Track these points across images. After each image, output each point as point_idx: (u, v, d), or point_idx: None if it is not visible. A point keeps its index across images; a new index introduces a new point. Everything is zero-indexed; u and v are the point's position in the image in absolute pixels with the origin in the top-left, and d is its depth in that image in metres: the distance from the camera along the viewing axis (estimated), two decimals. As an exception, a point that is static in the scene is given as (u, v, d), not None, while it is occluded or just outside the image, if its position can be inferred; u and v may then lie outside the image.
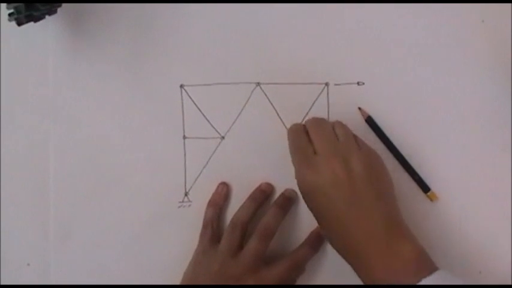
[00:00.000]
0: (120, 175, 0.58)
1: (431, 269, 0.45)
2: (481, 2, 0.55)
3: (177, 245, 0.57)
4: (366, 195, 0.47)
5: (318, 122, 0.52)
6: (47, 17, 0.54)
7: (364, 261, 0.47)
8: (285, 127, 0.57)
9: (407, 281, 0.44)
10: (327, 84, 0.56)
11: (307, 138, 0.51)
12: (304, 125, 0.52)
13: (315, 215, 0.50)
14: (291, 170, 0.54)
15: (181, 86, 0.57)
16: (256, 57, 0.57)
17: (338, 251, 0.49)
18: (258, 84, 0.57)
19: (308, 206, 0.50)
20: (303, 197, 0.50)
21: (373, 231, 0.47)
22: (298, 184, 0.50)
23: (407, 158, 0.55)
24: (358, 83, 0.56)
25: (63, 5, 0.55)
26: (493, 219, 0.55)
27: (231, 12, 0.57)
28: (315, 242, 0.56)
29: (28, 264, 0.58)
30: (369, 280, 0.46)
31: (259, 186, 0.57)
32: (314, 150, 0.49)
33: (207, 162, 0.57)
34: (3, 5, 0.52)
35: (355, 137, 0.51)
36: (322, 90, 0.57)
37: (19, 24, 0.51)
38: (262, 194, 0.56)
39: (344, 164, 0.48)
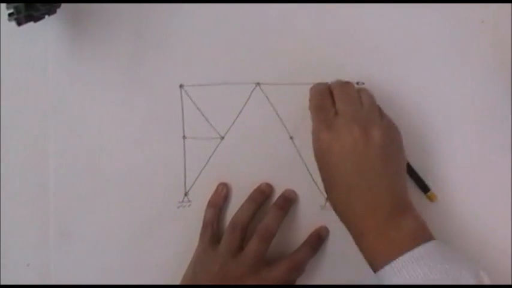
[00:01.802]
0: (120, 175, 0.58)
1: (428, 239, 0.46)
2: (481, 2, 0.55)
3: (176, 245, 0.57)
4: (378, 166, 0.47)
5: (344, 84, 0.52)
6: (46, 17, 0.54)
7: (363, 229, 0.47)
8: (285, 127, 0.57)
9: (403, 249, 0.45)
10: (326, 84, 0.56)
11: (331, 99, 0.50)
12: (329, 85, 0.52)
13: (322, 176, 0.50)
14: (291, 170, 0.54)
15: (181, 86, 0.57)
16: (256, 57, 0.57)
17: (339, 215, 0.49)
18: (258, 84, 0.57)
19: (318, 165, 0.50)
20: (315, 156, 0.50)
21: (377, 203, 0.47)
22: (313, 141, 0.50)
23: (407, 158, 0.55)
24: (357, 83, 0.56)
25: (63, 5, 0.55)
26: (493, 219, 0.55)
27: (230, 12, 0.57)
28: (315, 243, 0.56)
29: (28, 265, 0.58)
30: (365, 247, 0.47)
31: (259, 186, 0.57)
32: (336, 112, 0.49)
33: (207, 163, 0.57)
34: (3, 4, 0.52)
35: (379, 108, 0.51)
36: (322, 90, 0.56)
37: (19, 24, 0.51)
38: (262, 195, 0.56)
39: (364, 131, 0.48)
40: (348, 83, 0.52)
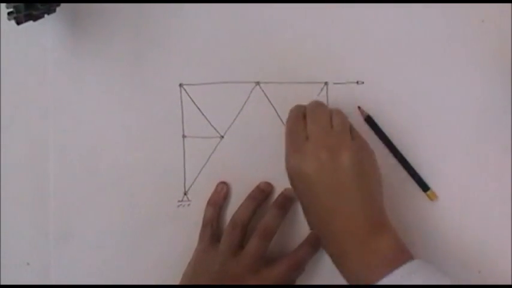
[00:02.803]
0: (120, 174, 0.58)
1: (406, 259, 0.46)
2: (481, 2, 0.55)
3: (176, 245, 0.57)
4: (349, 189, 0.47)
5: (317, 107, 0.52)
6: (46, 16, 0.54)
7: (342, 253, 0.47)
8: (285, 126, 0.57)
9: (380, 272, 0.45)
10: (326, 83, 0.56)
11: (304, 123, 0.50)
12: (305, 107, 0.52)
13: (299, 200, 0.51)
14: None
15: (181, 85, 0.57)
16: (256, 57, 0.57)
17: (321, 238, 0.50)
18: (258, 83, 0.57)
19: (293, 189, 0.50)
20: (289, 180, 0.50)
21: (352, 225, 0.47)
22: (285, 166, 0.50)
23: (406, 157, 0.55)
24: (357, 82, 0.56)
25: (62, 4, 0.55)
26: (492, 219, 0.55)
27: (230, 12, 0.57)
28: (315, 242, 0.56)
29: (28, 264, 0.58)
30: (346, 270, 0.47)
31: (259, 185, 0.57)
32: (306, 136, 0.49)
33: (207, 162, 0.57)
34: (3, 4, 0.52)
35: (351, 128, 0.51)
36: (321, 89, 0.56)
37: (18, 23, 0.51)
38: (262, 193, 0.56)
39: (332, 155, 0.48)
40: (320, 105, 0.52)
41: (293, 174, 0.49)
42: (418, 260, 0.46)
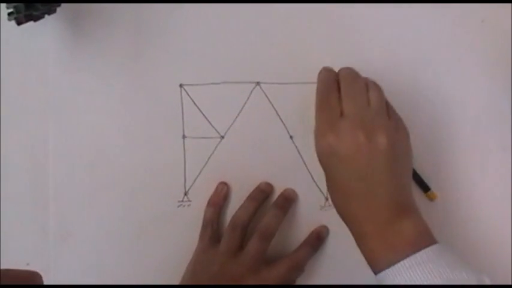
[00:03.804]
0: (120, 175, 0.58)
1: (430, 243, 0.45)
2: (481, 2, 0.55)
3: (176, 245, 0.57)
4: (380, 172, 0.46)
5: (352, 78, 0.49)
6: (46, 16, 0.54)
7: (364, 232, 0.47)
8: (285, 127, 0.57)
9: (402, 253, 0.44)
10: (326, 83, 0.56)
11: (337, 95, 0.48)
12: (337, 74, 0.50)
13: (326, 176, 0.49)
14: (290, 169, 0.54)
15: (181, 86, 0.57)
16: (256, 57, 0.57)
17: (340, 216, 0.48)
18: (258, 83, 0.57)
19: (321, 165, 0.49)
20: (318, 156, 0.48)
21: (378, 207, 0.46)
22: (315, 142, 0.48)
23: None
24: (358, 83, 0.56)
25: (63, 4, 0.55)
26: (493, 219, 0.55)
27: (230, 12, 0.57)
28: (315, 242, 0.56)
29: (28, 264, 0.58)
30: (366, 250, 0.46)
31: (259, 186, 0.57)
32: (341, 110, 0.47)
33: (207, 162, 0.57)
34: (3, 4, 0.52)
35: (387, 104, 0.49)
36: (322, 90, 0.56)
37: (18, 23, 0.51)
38: (262, 194, 0.56)
39: (368, 136, 0.46)
40: (356, 76, 0.50)
41: (324, 152, 0.47)
42: (440, 244, 0.45)
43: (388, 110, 0.49)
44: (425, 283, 0.43)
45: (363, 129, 0.46)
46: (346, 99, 0.48)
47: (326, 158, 0.48)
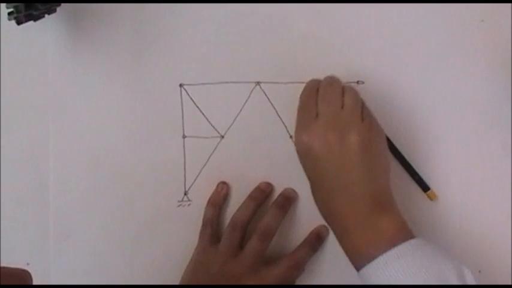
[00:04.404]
0: (120, 174, 0.58)
1: (409, 238, 0.46)
2: (481, 2, 0.55)
3: (176, 245, 0.57)
4: (356, 169, 0.48)
5: (330, 83, 0.51)
6: (46, 16, 0.54)
7: (345, 230, 0.48)
8: (285, 126, 0.57)
9: (380, 248, 0.45)
10: (326, 83, 0.56)
11: (316, 99, 0.50)
12: (318, 83, 0.52)
13: (307, 176, 0.51)
14: (290, 169, 0.54)
15: (181, 85, 0.57)
16: (256, 57, 0.57)
17: (322, 215, 0.50)
18: (258, 83, 0.57)
19: (301, 165, 0.51)
20: (298, 156, 0.51)
21: (357, 204, 0.48)
22: (294, 142, 0.51)
23: (406, 157, 0.55)
24: (357, 82, 0.56)
25: (63, 4, 0.55)
26: (492, 219, 0.55)
27: (230, 12, 0.57)
28: (315, 242, 0.56)
29: (28, 264, 0.58)
30: (348, 247, 0.48)
31: (259, 185, 0.57)
32: (317, 113, 0.49)
33: (207, 162, 0.57)
34: (3, 4, 0.52)
35: (363, 106, 0.50)
36: (322, 90, 0.56)
37: (18, 23, 0.51)
38: (262, 194, 0.56)
39: (340, 136, 0.48)
40: (333, 82, 0.52)
41: (301, 151, 0.50)
42: (419, 238, 0.47)
43: (363, 112, 0.50)
44: (406, 275, 0.44)
45: (334, 129, 0.48)
46: (321, 102, 0.50)
47: (303, 158, 0.50)
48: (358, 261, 0.47)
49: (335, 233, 0.50)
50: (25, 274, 0.40)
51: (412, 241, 0.46)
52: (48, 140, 0.58)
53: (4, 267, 0.39)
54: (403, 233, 0.47)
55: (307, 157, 0.50)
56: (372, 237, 0.47)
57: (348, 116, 0.49)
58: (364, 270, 0.46)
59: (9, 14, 0.50)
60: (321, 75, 0.55)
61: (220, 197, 0.57)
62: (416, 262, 0.44)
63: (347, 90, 0.51)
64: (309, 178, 0.51)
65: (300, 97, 0.52)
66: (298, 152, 0.50)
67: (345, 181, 0.48)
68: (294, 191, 0.57)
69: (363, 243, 0.47)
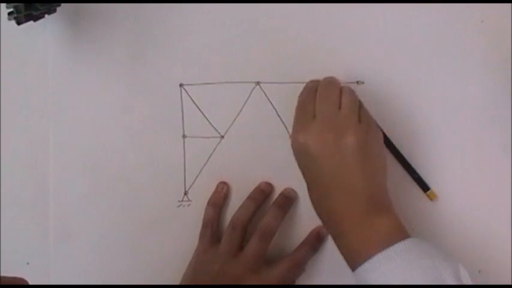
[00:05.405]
0: (120, 174, 0.58)
1: (404, 238, 0.46)
2: (481, 2, 0.55)
3: (176, 245, 0.57)
4: (352, 170, 0.48)
5: (328, 85, 0.52)
6: (46, 16, 0.54)
7: (340, 230, 0.48)
8: (285, 126, 0.57)
9: (375, 248, 0.45)
10: (326, 83, 0.56)
11: (314, 100, 0.51)
12: (317, 84, 0.52)
13: (303, 176, 0.51)
14: (290, 169, 0.54)
15: (181, 85, 0.57)
16: (256, 57, 0.57)
17: (319, 216, 0.50)
18: (258, 83, 0.57)
19: (298, 165, 0.51)
20: (294, 156, 0.51)
21: (353, 204, 0.48)
22: (291, 142, 0.51)
23: (406, 157, 0.55)
24: (357, 82, 0.56)
25: (63, 4, 0.55)
26: (492, 219, 0.55)
27: (230, 12, 0.57)
28: (315, 242, 0.56)
29: (28, 264, 0.58)
30: (343, 247, 0.48)
31: (259, 185, 0.57)
32: (314, 114, 0.50)
33: (207, 162, 0.57)
34: (3, 4, 0.52)
35: (360, 107, 0.51)
36: (322, 90, 0.56)
37: (18, 23, 0.51)
38: (262, 194, 0.56)
39: (336, 137, 0.48)
40: (332, 83, 0.52)
41: (297, 151, 0.50)
42: (414, 238, 0.47)
43: (360, 113, 0.50)
44: (400, 275, 0.44)
45: (331, 130, 0.48)
46: (319, 102, 0.50)
47: (300, 158, 0.50)
48: (353, 261, 0.47)
49: (331, 233, 0.50)
50: (22, 282, 0.40)
51: (407, 240, 0.46)
52: (48, 140, 0.58)
53: (2, 277, 0.39)
54: (399, 234, 0.47)
55: (303, 157, 0.50)
56: (367, 237, 0.47)
57: (345, 117, 0.49)
58: (359, 270, 0.46)
59: (9, 14, 0.50)
60: (320, 75, 0.55)
61: (220, 197, 0.57)
62: (411, 261, 0.44)
63: (345, 91, 0.51)
64: (305, 178, 0.51)
65: (298, 97, 0.52)
66: (294, 150, 0.51)
67: (341, 182, 0.48)
68: (294, 191, 0.57)
69: (358, 243, 0.47)
